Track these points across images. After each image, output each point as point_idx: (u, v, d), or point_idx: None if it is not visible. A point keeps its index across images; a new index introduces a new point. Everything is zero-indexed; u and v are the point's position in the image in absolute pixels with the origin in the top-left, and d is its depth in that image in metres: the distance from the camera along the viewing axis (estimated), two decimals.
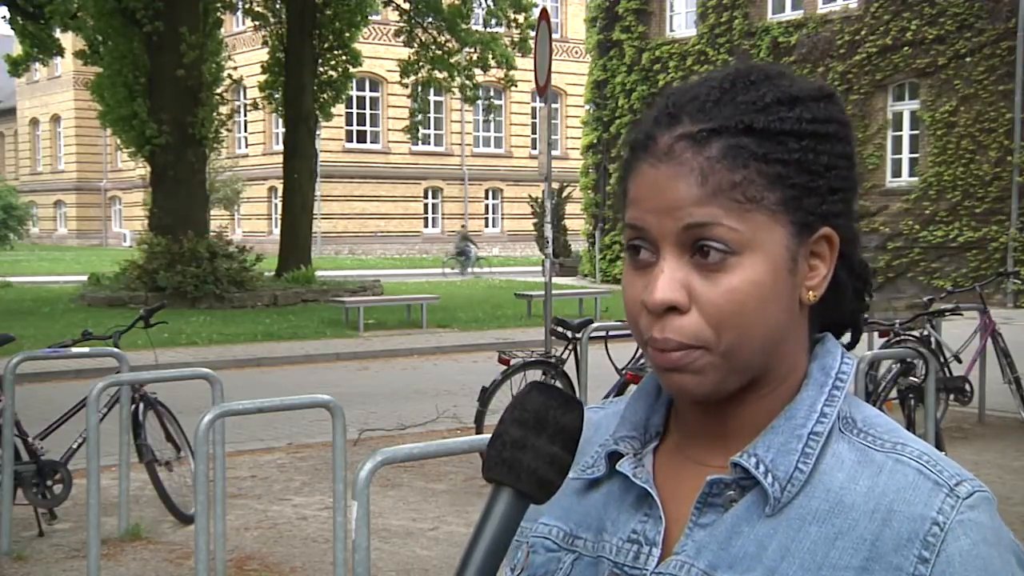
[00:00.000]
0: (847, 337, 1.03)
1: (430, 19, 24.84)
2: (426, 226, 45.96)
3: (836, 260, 0.95)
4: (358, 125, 43.54)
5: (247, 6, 24.97)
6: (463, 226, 39.40)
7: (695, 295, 0.89)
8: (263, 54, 25.62)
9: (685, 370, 0.91)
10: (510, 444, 0.84)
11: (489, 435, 0.89)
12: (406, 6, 24.82)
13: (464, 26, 24.07)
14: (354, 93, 38.40)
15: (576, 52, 44.85)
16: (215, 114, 21.64)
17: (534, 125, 46.01)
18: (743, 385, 0.93)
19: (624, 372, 7.54)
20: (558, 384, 7.31)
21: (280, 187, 25.09)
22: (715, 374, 0.90)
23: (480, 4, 24.72)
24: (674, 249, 0.90)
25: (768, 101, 0.93)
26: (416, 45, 25.06)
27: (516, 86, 25.17)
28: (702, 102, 0.93)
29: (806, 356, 0.96)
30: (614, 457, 0.99)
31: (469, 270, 32.57)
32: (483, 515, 0.83)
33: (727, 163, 0.90)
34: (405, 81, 26.16)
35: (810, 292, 0.93)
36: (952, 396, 8.72)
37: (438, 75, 25.06)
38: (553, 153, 30.23)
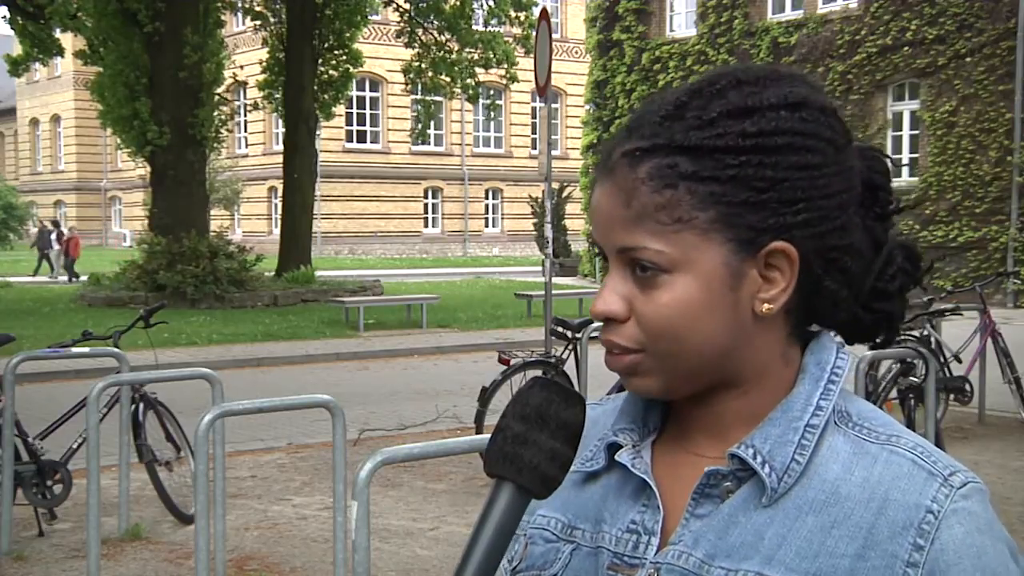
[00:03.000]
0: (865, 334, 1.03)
1: (431, 20, 24.83)
2: (426, 226, 45.96)
3: (804, 266, 0.93)
4: (358, 125, 43.54)
5: (247, 6, 24.97)
6: None
7: (634, 307, 0.94)
8: (263, 54, 25.61)
9: (632, 373, 0.96)
10: (512, 439, 0.85)
11: (489, 435, 0.89)
12: (407, 6, 24.82)
13: (465, 26, 24.07)
14: (354, 93, 38.42)
15: (576, 52, 44.84)
16: (215, 114, 21.63)
17: (534, 125, 46.02)
18: (706, 387, 0.96)
19: None
20: None
21: (280, 187, 25.09)
22: (660, 376, 0.95)
23: (481, 5, 24.71)
24: (617, 264, 0.95)
25: (715, 115, 0.92)
26: (417, 46, 25.06)
27: (517, 81, 25.13)
28: (654, 117, 0.94)
29: (783, 359, 0.97)
30: (613, 448, 1.01)
31: None
32: (484, 510, 0.84)
33: (654, 184, 0.92)
34: (408, 86, 26.13)
35: (764, 304, 0.93)
36: (952, 396, 8.72)
37: (444, 78, 25.03)
38: (553, 153, 30.24)
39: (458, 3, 23.92)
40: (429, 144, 39.88)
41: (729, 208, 0.91)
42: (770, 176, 0.91)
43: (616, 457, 1.00)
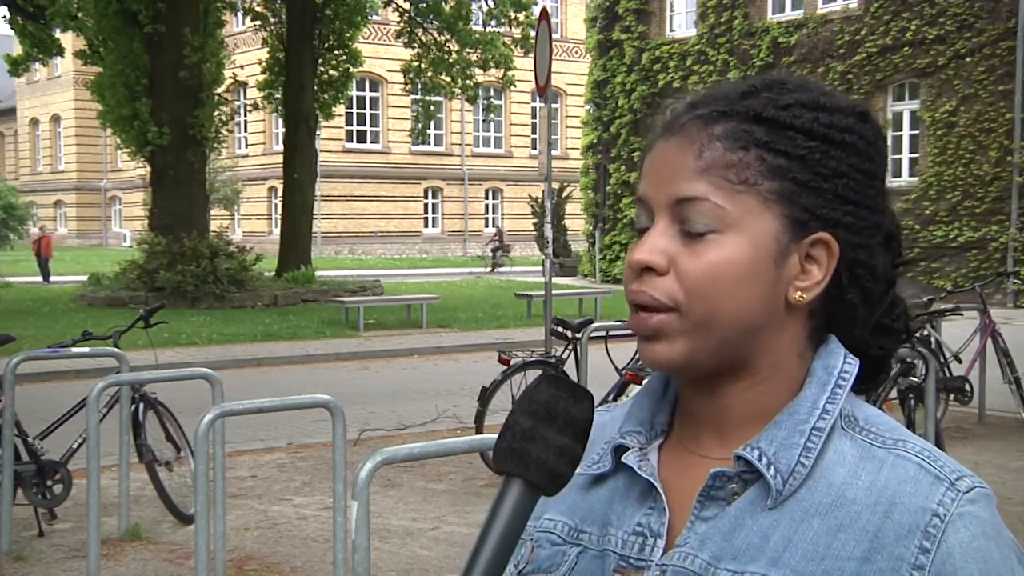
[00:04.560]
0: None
1: (430, 20, 24.84)
2: (426, 226, 45.95)
3: (834, 270, 0.95)
4: (358, 125, 43.53)
5: (247, 6, 24.97)
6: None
7: (675, 263, 0.94)
8: (263, 54, 25.61)
9: (658, 337, 0.94)
10: (520, 435, 0.84)
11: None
12: (406, 7, 24.82)
13: (464, 27, 24.07)
14: (354, 93, 38.40)
15: (576, 52, 44.83)
16: (215, 114, 21.64)
17: (534, 125, 46.01)
18: (720, 368, 0.96)
19: (624, 372, 7.54)
20: None
21: (280, 187, 25.09)
22: (686, 343, 0.93)
23: (480, 6, 24.71)
24: (666, 218, 0.95)
25: (790, 101, 0.96)
26: (417, 46, 25.06)
27: (515, 85, 25.13)
28: (729, 94, 0.98)
29: (799, 358, 0.97)
30: (620, 451, 1.01)
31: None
32: (493, 507, 0.84)
33: (727, 143, 0.94)
34: (408, 86, 26.13)
35: (799, 292, 0.95)
36: (952, 396, 8.72)
37: (444, 78, 25.04)
38: (553, 153, 30.25)
39: (457, 4, 23.92)
40: (429, 144, 39.88)
41: (793, 185, 0.94)
42: (834, 167, 0.95)
43: (623, 459, 1.00)
